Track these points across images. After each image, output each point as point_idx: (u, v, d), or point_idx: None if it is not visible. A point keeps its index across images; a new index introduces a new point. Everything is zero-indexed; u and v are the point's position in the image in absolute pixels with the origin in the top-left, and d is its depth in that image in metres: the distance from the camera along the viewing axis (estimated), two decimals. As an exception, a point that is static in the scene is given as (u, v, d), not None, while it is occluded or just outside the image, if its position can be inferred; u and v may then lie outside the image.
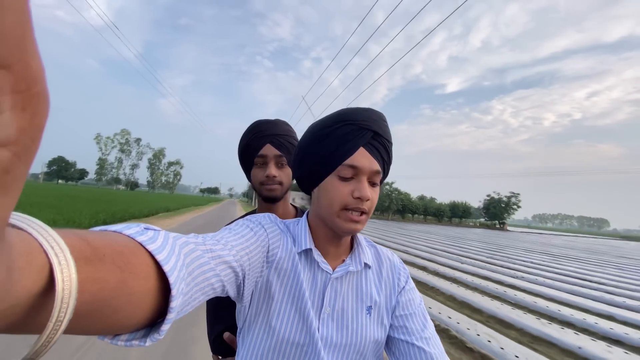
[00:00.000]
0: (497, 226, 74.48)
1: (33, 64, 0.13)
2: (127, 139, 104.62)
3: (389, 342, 0.65)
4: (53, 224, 8.59)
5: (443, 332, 4.04)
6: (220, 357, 0.91)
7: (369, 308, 0.64)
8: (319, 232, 0.65)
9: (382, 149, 0.61)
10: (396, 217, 69.16)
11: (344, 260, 0.66)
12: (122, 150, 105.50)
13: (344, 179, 0.59)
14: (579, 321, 5.00)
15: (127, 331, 0.30)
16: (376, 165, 0.60)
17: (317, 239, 0.65)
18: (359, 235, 0.70)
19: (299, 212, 1.07)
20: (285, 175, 0.98)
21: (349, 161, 0.58)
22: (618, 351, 3.88)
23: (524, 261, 12.03)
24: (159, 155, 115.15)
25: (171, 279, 0.30)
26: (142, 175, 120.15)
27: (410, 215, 72.89)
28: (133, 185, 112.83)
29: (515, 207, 73.04)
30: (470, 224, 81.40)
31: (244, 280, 0.53)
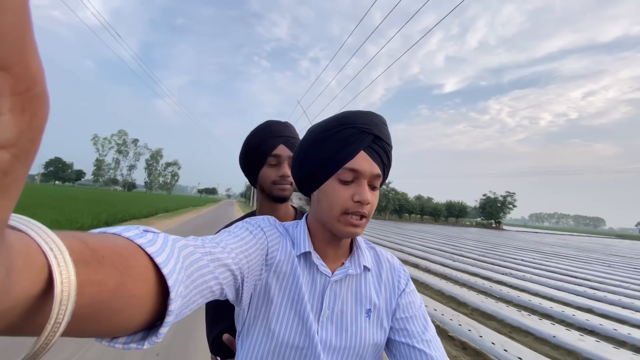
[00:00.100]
0: (493, 225, 75.21)
1: (33, 65, 0.13)
2: (124, 139, 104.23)
3: (390, 345, 0.65)
4: (56, 224, 8.82)
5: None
6: (218, 358, 0.92)
7: (369, 311, 0.64)
8: (318, 235, 0.65)
9: (382, 152, 0.61)
10: (393, 217, 69.56)
11: (343, 263, 0.66)
12: (119, 151, 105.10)
13: (344, 183, 0.59)
14: (558, 313, 5.33)
15: (125, 334, 0.30)
16: (377, 169, 0.60)
17: (316, 242, 0.65)
18: (359, 238, 0.70)
19: (298, 213, 1.09)
20: None
21: (349, 164, 0.58)
22: (590, 340, 4.21)
23: (514, 259, 12.39)
24: (156, 156, 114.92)
25: (170, 282, 0.30)
26: (139, 176, 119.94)
27: (407, 215, 73.35)
28: (130, 186, 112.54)
29: (511, 206, 73.74)
30: (467, 223, 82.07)
31: (242, 283, 0.53)
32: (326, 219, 0.61)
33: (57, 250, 0.21)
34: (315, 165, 0.61)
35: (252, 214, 1.04)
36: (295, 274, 0.61)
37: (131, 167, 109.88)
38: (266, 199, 1.02)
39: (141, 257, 0.30)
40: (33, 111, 0.14)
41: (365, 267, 0.66)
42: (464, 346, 3.71)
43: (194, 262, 0.40)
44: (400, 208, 70.10)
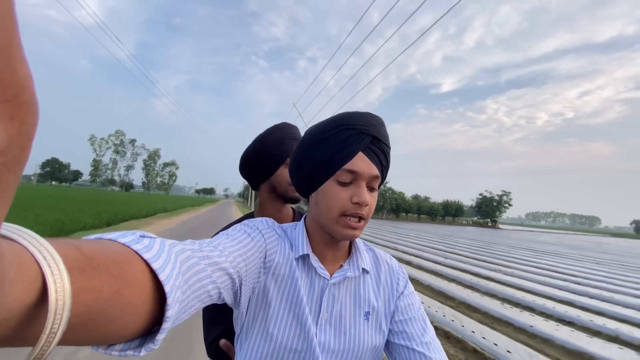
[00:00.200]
0: (489, 224, 75.93)
1: (20, 72, 0.13)
2: (121, 140, 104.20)
3: (389, 347, 0.65)
4: (60, 224, 9.04)
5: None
6: None
7: (367, 314, 0.64)
8: (317, 237, 0.65)
9: (380, 153, 0.61)
10: (390, 217, 70.08)
11: (341, 266, 0.65)
12: (116, 152, 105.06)
13: (342, 184, 0.59)
14: (539, 305, 5.67)
15: (122, 341, 0.30)
16: (375, 170, 0.60)
17: (315, 244, 0.65)
18: (357, 240, 0.69)
19: (296, 214, 1.09)
20: None
21: (347, 166, 0.58)
22: (565, 329, 4.55)
23: (506, 256, 12.76)
24: (154, 156, 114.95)
25: (167, 288, 0.30)
26: (137, 177, 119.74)
27: (404, 214, 73.89)
28: (128, 186, 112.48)
29: (506, 205, 74.56)
30: (463, 222, 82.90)
31: (240, 287, 0.52)
32: (324, 220, 0.61)
33: (50, 259, 0.20)
34: (313, 167, 0.61)
35: (250, 215, 1.05)
36: (294, 277, 0.61)
37: (128, 168, 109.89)
38: (274, 199, 1.02)
39: (137, 263, 0.29)
40: (22, 118, 0.14)
41: (363, 269, 0.66)
42: (446, 335, 4.02)
43: (191, 266, 0.40)
44: (397, 207, 70.69)
